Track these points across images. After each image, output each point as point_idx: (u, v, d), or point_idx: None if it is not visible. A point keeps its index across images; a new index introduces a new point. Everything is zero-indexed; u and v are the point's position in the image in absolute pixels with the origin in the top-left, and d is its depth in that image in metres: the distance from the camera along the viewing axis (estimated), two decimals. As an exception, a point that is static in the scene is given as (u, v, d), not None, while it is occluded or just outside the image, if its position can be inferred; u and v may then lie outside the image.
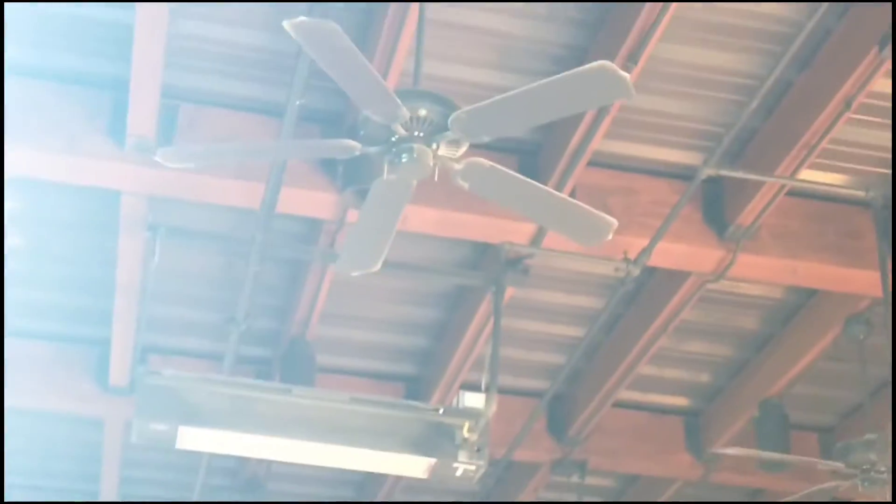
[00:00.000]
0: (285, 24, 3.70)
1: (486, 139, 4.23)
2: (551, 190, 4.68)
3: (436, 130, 4.27)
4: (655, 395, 8.01)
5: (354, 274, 4.94)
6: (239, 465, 8.72)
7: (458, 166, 4.38)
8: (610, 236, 4.57)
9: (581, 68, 3.78)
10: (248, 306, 6.67)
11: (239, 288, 6.63)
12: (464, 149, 4.32)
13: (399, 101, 4.15)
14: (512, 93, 3.97)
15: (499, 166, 4.41)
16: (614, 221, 4.56)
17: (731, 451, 6.63)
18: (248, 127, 5.81)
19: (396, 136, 4.29)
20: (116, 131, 5.62)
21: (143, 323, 6.78)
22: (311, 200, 5.89)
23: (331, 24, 3.77)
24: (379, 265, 4.84)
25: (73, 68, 5.66)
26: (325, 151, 4.70)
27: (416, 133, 4.28)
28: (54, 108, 5.65)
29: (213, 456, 7.90)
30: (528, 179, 4.51)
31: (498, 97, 3.99)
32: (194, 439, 6.03)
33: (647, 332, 6.99)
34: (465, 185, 4.46)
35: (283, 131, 5.50)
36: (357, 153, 4.39)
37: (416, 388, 7.80)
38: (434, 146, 4.31)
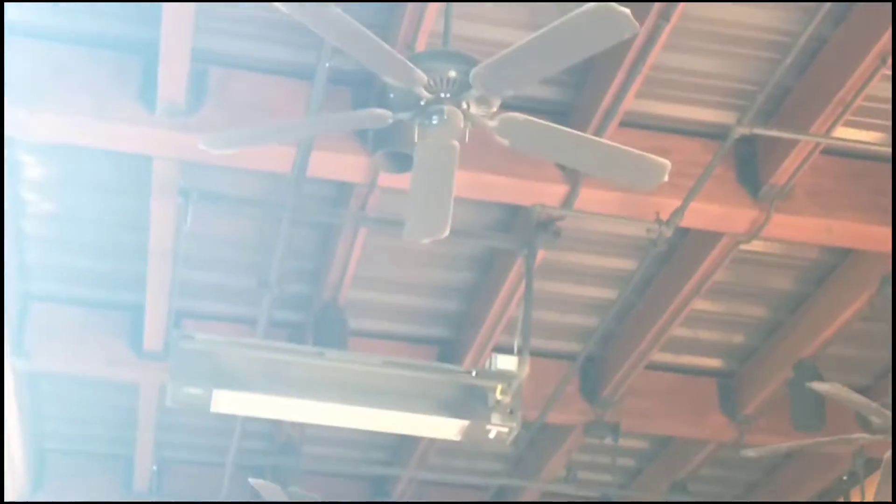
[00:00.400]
0: (278, 6, 3.71)
1: (510, 92, 4.19)
2: (594, 138, 4.62)
3: (462, 89, 4.25)
4: (689, 357, 7.97)
5: (424, 241, 4.92)
6: (274, 429, 8.75)
7: (493, 123, 4.35)
8: (666, 177, 4.46)
9: (581, 9, 3.72)
10: (280, 270, 6.68)
11: (271, 252, 6.64)
12: (495, 106, 4.29)
13: (411, 65, 4.13)
14: (524, 41, 3.92)
15: (535, 119, 4.37)
16: (667, 162, 4.45)
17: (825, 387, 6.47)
18: (277, 90, 5.79)
19: (424, 100, 4.27)
20: (147, 95, 5.62)
21: (177, 288, 6.79)
22: (341, 164, 5.87)
23: (319, 3, 3.79)
24: (447, 230, 4.81)
25: (102, 32, 5.65)
26: (357, 123, 4.67)
27: (442, 94, 4.26)
28: (84, 72, 5.65)
29: (247, 419, 7.94)
30: (568, 129, 4.47)
31: (512, 48, 3.96)
32: (229, 403, 6.05)
33: (680, 294, 6.95)
34: (506, 142, 4.41)
35: (312, 95, 5.48)
36: (389, 121, 4.38)
37: (448, 351, 7.79)
38: (464, 105, 4.28)
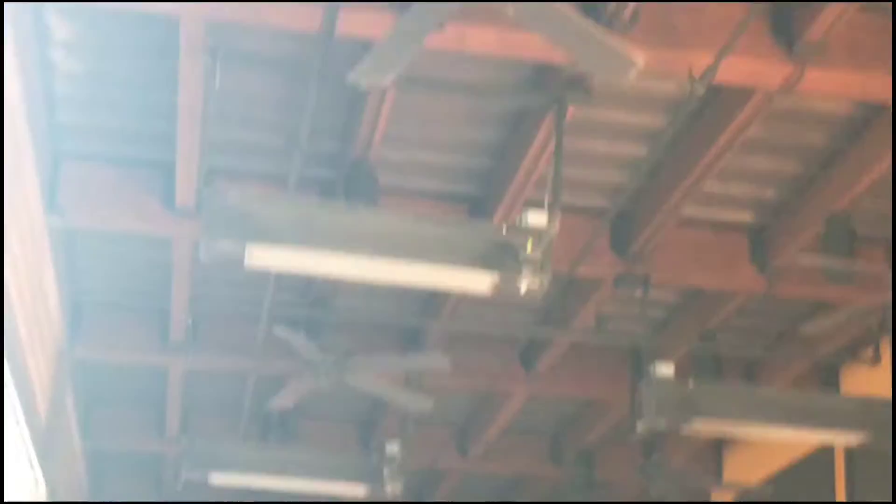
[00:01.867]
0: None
1: None
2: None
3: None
4: (720, 212, 7.95)
5: (629, 76, 4.90)
6: (307, 282, 8.84)
7: None
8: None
9: None
10: (311, 128, 6.66)
11: (301, 110, 6.61)
12: None
13: None
14: None
15: None
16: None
17: None
18: None
19: None
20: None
21: (207, 145, 6.80)
22: (369, 21, 5.79)
23: None
24: (633, 55, 4.80)
25: None
26: None
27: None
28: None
29: (281, 273, 8.00)
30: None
31: None
32: (262, 257, 6.09)
33: (711, 150, 6.88)
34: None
35: None
36: None
37: (479, 207, 7.79)
38: None
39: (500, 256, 6.22)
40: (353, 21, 5.78)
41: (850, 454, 9.61)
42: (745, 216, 7.99)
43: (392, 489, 9.53)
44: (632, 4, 5.73)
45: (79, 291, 9.21)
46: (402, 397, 9.00)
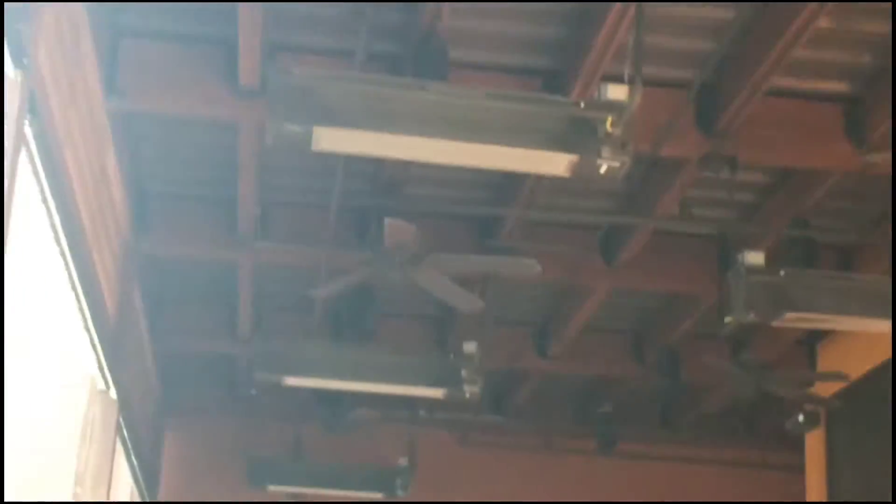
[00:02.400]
0: None
1: None
2: None
3: None
4: (812, 81, 7.52)
5: None
6: (377, 169, 8.59)
7: None
8: None
9: None
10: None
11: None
12: None
13: None
14: None
15: None
16: None
17: None
18: None
19: None
20: None
21: (269, 18, 6.52)
22: None
23: None
24: None
25: None
26: None
27: None
28: None
29: (350, 159, 7.78)
30: None
31: None
32: (330, 140, 5.86)
33: (803, 11, 6.47)
34: None
35: None
36: None
37: (554, 82, 7.43)
38: None
39: (578, 134, 5.93)
40: None
41: (951, 345, 9.22)
42: (840, 86, 7.55)
43: (470, 391, 9.32)
44: None
45: (143, 178, 9.01)
46: (508, 264, 8.62)
